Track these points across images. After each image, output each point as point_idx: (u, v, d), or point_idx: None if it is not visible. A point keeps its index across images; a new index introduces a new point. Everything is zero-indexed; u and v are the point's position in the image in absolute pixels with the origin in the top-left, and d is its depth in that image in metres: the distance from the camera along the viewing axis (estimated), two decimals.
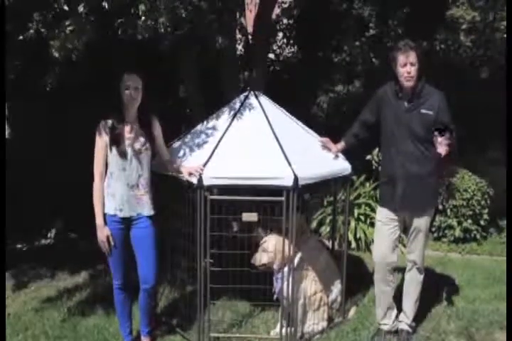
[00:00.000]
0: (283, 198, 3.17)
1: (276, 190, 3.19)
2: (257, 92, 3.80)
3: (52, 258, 4.93)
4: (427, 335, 3.59)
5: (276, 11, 7.10)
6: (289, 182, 3.14)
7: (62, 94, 4.57)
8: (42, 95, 3.94)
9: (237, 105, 3.71)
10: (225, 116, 3.69)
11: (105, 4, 2.95)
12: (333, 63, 7.39)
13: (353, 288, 4.00)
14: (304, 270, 3.52)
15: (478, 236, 5.48)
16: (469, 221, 5.44)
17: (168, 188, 3.42)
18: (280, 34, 7.61)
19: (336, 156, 3.64)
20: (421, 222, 3.36)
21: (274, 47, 7.64)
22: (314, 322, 3.59)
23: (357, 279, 4.09)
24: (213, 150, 3.35)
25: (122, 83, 3.10)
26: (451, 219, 5.47)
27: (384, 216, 3.43)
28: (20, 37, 3.03)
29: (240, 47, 6.66)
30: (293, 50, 7.75)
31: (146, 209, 3.20)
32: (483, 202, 5.44)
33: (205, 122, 3.76)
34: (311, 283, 3.55)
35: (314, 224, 5.45)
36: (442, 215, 5.52)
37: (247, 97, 3.76)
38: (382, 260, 3.45)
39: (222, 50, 4.49)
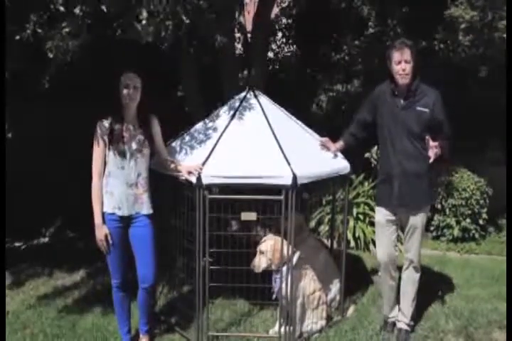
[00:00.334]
0: (282, 197, 3.18)
1: (275, 189, 3.19)
2: (256, 91, 3.80)
3: (50, 257, 4.93)
4: (425, 334, 3.60)
5: (276, 10, 7.11)
6: (287, 181, 3.14)
7: (62, 94, 4.57)
8: (41, 95, 3.94)
9: (237, 104, 3.71)
10: (225, 115, 3.69)
11: (104, 7, 2.94)
12: (332, 62, 7.39)
13: (351, 287, 4.00)
14: (302, 269, 3.52)
15: (476, 236, 5.48)
16: (468, 220, 5.45)
17: (167, 187, 3.42)
18: (279, 33, 7.63)
19: (335, 155, 3.64)
20: (417, 220, 3.37)
21: (273, 47, 7.65)
22: (313, 320, 3.60)
23: (356, 278, 4.10)
24: (212, 149, 3.35)
25: (121, 82, 3.10)
26: (449, 218, 5.48)
27: (383, 217, 3.45)
28: (17, 37, 3.02)
29: (239, 46, 6.65)
30: (292, 49, 7.76)
31: (145, 208, 3.20)
32: (482, 202, 5.45)
33: (204, 121, 3.76)
34: (309, 282, 3.55)
35: (313, 223, 5.46)
36: (441, 214, 5.53)
37: (246, 96, 3.76)
38: (388, 259, 3.48)
39: (221, 49, 4.49)
